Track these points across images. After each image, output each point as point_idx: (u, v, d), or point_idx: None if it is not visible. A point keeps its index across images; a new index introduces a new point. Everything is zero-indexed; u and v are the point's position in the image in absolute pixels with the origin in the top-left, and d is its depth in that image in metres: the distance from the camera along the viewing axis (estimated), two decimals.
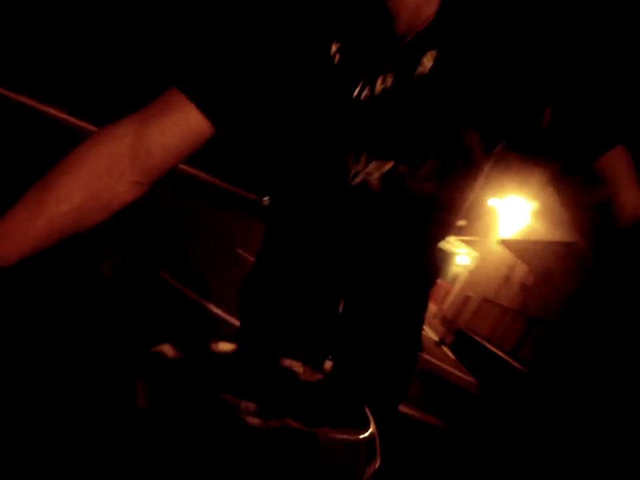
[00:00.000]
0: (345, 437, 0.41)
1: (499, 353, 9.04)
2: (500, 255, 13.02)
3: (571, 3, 0.57)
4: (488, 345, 9.80)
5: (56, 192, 0.54)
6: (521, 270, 11.89)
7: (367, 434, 0.44)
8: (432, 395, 5.52)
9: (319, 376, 0.55)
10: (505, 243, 11.83)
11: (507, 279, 12.52)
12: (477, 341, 10.43)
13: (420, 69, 0.57)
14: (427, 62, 0.57)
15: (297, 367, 0.55)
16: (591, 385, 5.61)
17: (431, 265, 0.72)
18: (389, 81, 0.57)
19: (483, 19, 0.56)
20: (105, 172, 0.56)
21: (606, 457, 4.53)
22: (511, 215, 12.81)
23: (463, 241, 17.01)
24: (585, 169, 0.56)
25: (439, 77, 0.57)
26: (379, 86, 0.57)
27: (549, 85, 0.57)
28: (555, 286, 9.57)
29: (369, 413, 0.49)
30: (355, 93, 0.58)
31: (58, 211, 0.54)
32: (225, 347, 0.54)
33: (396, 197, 0.62)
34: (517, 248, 11.48)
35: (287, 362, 0.55)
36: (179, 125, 0.57)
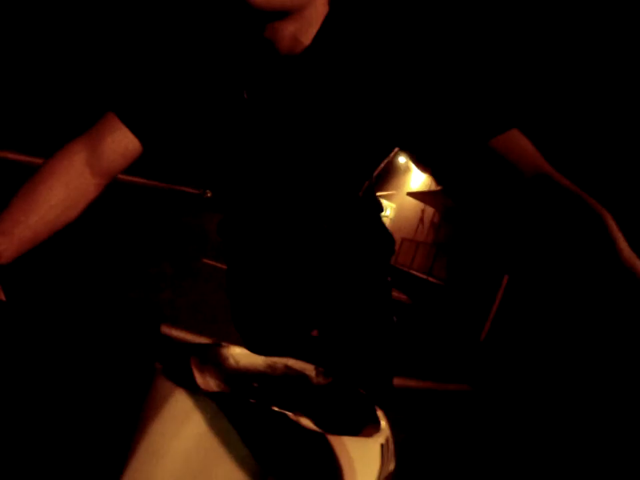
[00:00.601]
0: (359, 439, 0.39)
1: (419, 274, 11.54)
2: (412, 203, 15.07)
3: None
4: (411, 271, 12.27)
5: (41, 194, 0.65)
6: (430, 212, 14.08)
7: (380, 436, 0.42)
8: None
9: (330, 379, 0.54)
10: (412, 195, 13.91)
11: (420, 220, 14.77)
12: (403, 270, 12.78)
13: (288, 89, 0.62)
14: (294, 83, 0.61)
15: (309, 370, 0.55)
16: (482, 285, 7.73)
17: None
18: (265, 95, 0.63)
19: (353, 48, 0.59)
20: (74, 178, 0.68)
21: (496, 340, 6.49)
22: (416, 170, 15.09)
23: (382, 196, 18.65)
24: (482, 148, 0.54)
25: (299, 97, 0.62)
26: (259, 98, 0.63)
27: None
28: (454, 221, 11.95)
29: (382, 416, 0.47)
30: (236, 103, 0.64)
31: (45, 208, 0.65)
32: (236, 350, 0.56)
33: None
34: (422, 198, 13.49)
35: (299, 365, 0.56)
36: (119, 144, 0.69)
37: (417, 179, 15.78)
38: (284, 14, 0.56)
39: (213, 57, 0.66)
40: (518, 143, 0.55)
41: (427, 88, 0.57)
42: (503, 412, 3.63)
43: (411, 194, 13.96)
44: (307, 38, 0.60)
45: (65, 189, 0.68)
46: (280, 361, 0.56)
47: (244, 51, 0.63)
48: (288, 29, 0.58)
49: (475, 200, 0.57)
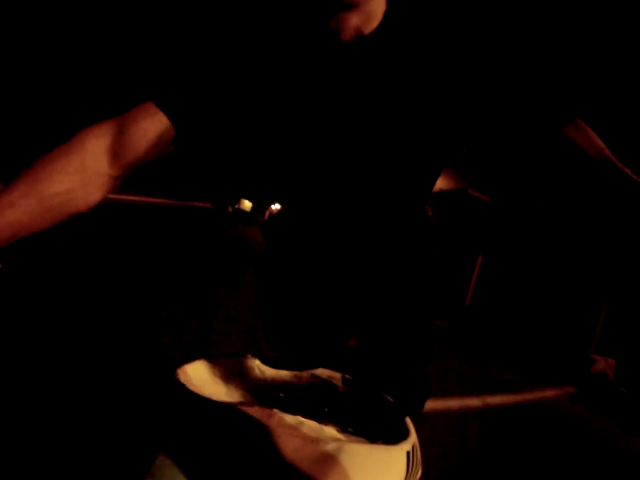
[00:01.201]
0: (384, 446, 0.38)
1: None
2: None
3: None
4: None
5: (45, 177, 0.56)
6: (430, 204, 16.04)
7: (407, 443, 0.41)
8: None
9: (357, 386, 0.54)
10: None
11: None
12: None
13: (350, 74, 0.61)
14: (358, 67, 0.61)
15: (336, 378, 0.55)
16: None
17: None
18: (326, 84, 0.62)
19: (417, 37, 0.61)
20: (89, 165, 0.59)
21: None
22: None
23: None
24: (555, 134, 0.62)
25: (362, 83, 0.61)
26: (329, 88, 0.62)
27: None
28: (441, 220, 12.93)
29: (409, 424, 0.46)
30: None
31: (47, 192, 0.56)
32: (257, 362, 0.55)
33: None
34: None
35: (326, 373, 0.55)
36: (151, 128, 0.63)
37: None
38: (353, 5, 0.59)
39: (271, 47, 0.64)
40: (584, 131, 0.61)
41: (489, 80, 0.60)
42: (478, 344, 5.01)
43: None
44: (369, 31, 0.62)
45: (76, 175, 0.59)
46: (306, 371, 0.53)
47: (308, 40, 0.63)
48: (353, 21, 0.61)
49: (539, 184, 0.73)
